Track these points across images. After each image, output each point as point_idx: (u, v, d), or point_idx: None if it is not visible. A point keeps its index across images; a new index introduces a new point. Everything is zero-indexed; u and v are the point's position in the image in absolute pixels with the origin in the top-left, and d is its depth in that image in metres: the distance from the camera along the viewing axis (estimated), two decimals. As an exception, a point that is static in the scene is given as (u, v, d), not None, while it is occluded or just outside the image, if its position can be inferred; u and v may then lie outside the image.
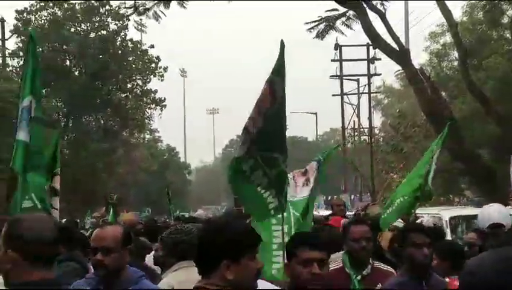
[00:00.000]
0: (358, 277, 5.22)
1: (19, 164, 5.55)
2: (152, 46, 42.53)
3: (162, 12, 26.43)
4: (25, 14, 40.00)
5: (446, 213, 12.75)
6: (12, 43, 38.92)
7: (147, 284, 4.49)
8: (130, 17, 37.81)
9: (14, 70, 37.83)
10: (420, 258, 4.73)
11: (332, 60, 43.49)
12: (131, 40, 41.91)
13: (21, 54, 39.71)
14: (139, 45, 42.43)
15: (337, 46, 41.94)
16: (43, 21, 40.10)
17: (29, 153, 5.57)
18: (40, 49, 39.43)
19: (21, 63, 39.69)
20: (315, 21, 26.63)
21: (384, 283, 5.03)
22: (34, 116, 5.76)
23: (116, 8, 38.63)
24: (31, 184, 5.62)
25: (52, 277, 2.97)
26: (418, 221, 9.93)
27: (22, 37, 39.35)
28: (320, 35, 27.07)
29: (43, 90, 38.52)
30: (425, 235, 4.84)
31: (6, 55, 36.40)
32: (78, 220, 18.54)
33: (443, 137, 9.10)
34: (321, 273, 3.78)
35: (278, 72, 5.47)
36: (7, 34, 37.14)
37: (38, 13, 40.29)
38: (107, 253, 4.27)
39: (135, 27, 46.49)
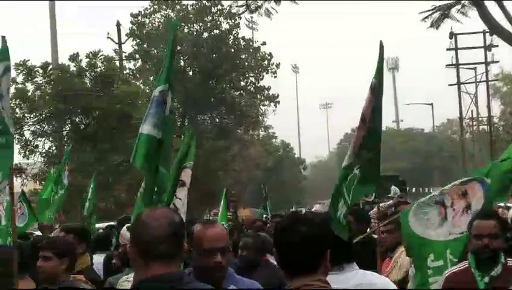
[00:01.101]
0: (486, 279, 4.78)
1: (140, 160, 5.38)
2: (264, 43, 42.64)
3: (273, 9, 26.40)
4: (139, 18, 40.95)
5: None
6: (128, 46, 39.93)
7: (242, 280, 4.45)
8: (241, 16, 38.14)
9: (130, 73, 38.80)
10: None
11: (447, 49, 42.38)
12: (243, 38, 42.17)
13: (137, 56, 40.76)
14: (251, 43, 42.63)
15: (452, 35, 40.88)
16: (157, 23, 40.94)
17: (162, 147, 5.40)
18: (155, 51, 40.38)
19: (138, 65, 40.78)
20: (429, 10, 25.99)
21: None
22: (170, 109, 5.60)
23: (228, 7, 38.92)
24: (159, 178, 5.52)
25: (171, 272, 2.97)
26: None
27: (138, 40, 40.36)
28: (435, 24, 26.39)
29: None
30: None
31: (123, 58, 37.34)
32: (197, 218, 18.68)
33: None
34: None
35: (378, 74, 5.53)
36: (123, 38, 38.05)
37: (152, 16, 41.18)
38: (224, 254, 4.10)
39: (246, 25, 46.87)
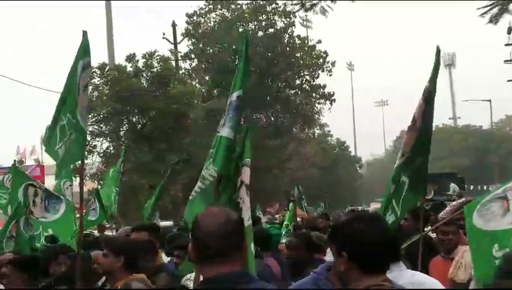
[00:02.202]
0: None
1: (220, 161, 5.48)
2: (319, 42, 42.44)
3: (329, 6, 26.15)
4: (194, 17, 41.16)
5: None
6: (184, 46, 40.17)
7: None
8: (296, 14, 37.98)
9: (186, 73, 39.02)
10: None
11: (506, 45, 41.50)
12: (298, 36, 42.04)
13: (192, 56, 40.96)
14: (306, 41, 42.47)
15: (510, 30, 40.01)
16: (212, 23, 41.09)
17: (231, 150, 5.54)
18: (210, 50, 40.55)
19: (193, 65, 41.00)
20: (487, 6, 25.44)
21: None
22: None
23: (283, 6, 38.80)
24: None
25: (232, 270, 3.00)
26: None
27: (193, 40, 40.57)
28: (494, 19, 25.76)
29: (215, 91, 39.54)
30: None
31: (179, 58, 37.56)
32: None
33: None
34: None
35: (433, 79, 5.52)
36: (179, 38, 38.30)
37: (207, 15, 41.35)
38: None
39: (301, 23, 46.73)
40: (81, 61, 6.07)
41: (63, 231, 9.17)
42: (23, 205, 8.61)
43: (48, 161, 38.26)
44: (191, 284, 5.19)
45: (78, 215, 9.56)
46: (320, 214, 14.29)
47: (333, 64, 42.85)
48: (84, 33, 6.11)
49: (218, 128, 5.56)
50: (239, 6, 41.14)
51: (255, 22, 40.78)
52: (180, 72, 35.45)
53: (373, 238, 3.07)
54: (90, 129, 28.00)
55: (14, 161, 11.12)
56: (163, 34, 36.41)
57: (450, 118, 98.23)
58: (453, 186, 20.56)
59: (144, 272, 5.33)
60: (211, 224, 3.03)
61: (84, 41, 6.10)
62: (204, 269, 3.03)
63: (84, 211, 8.24)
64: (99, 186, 19.31)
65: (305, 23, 61.30)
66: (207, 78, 40.26)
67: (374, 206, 42.98)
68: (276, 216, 22.47)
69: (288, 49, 41.16)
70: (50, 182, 12.43)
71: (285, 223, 13.13)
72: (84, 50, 6.10)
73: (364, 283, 3.04)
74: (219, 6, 41.18)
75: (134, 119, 28.61)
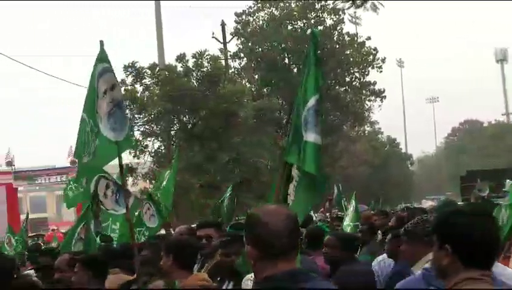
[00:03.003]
0: None
1: (311, 165, 5.56)
2: (369, 38, 42.14)
3: (380, 3, 25.93)
4: (243, 16, 41.22)
5: None
6: (233, 45, 40.25)
7: None
8: (345, 11, 37.71)
9: (236, 72, 39.10)
10: None
11: None
12: (347, 33, 41.81)
13: (242, 55, 41.04)
14: (355, 38, 42.20)
15: None
16: (261, 22, 41.09)
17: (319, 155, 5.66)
18: (260, 49, 40.57)
19: (242, 64, 41.07)
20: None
21: None
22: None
23: (332, 3, 38.60)
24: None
25: (292, 268, 2.99)
26: None
27: (242, 39, 40.63)
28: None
29: (265, 89, 39.57)
30: None
31: (228, 57, 37.65)
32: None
33: None
34: None
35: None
36: (228, 37, 38.37)
37: (256, 14, 41.37)
38: None
39: (349, 20, 46.34)
40: (98, 67, 6.26)
41: (127, 225, 9.31)
42: (91, 202, 8.77)
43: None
44: (251, 284, 5.16)
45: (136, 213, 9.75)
46: (375, 212, 14.11)
47: (383, 60, 42.52)
48: (101, 42, 6.41)
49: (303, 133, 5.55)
50: (288, 5, 41.07)
51: (304, 20, 40.65)
52: (230, 71, 35.53)
53: (479, 233, 3.02)
54: (141, 129, 28.26)
55: (71, 161, 11.31)
56: (213, 33, 36.60)
57: (502, 114, 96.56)
58: (508, 182, 20.20)
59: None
60: (275, 222, 2.98)
61: (101, 50, 6.36)
62: (265, 267, 2.99)
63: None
64: (150, 188, 19.41)
65: (353, 20, 60.96)
66: (256, 76, 40.28)
67: (426, 204, 42.46)
68: (327, 214, 22.32)
69: (337, 46, 40.92)
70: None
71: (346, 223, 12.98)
72: (100, 57, 6.34)
73: (464, 276, 2.99)
74: (268, 5, 41.16)
75: (185, 118, 28.75)
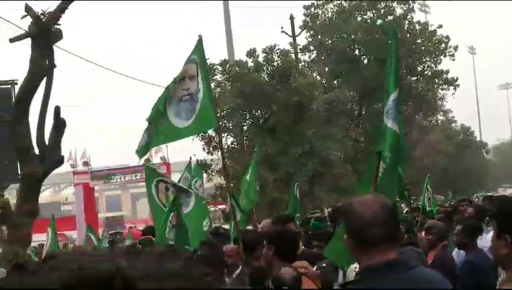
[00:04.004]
0: None
1: (387, 149, 5.73)
2: (440, 26, 41.41)
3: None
4: (312, 9, 41.09)
5: None
6: (302, 39, 40.16)
7: None
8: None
9: (306, 65, 39.02)
10: None
11: None
12: (418, 22, 41.21)
13: (311, 48, 40.92)
14: (426, 26, 41.55)
15: None
16: (330, 14, 40.87)
17: (399, 144, 5.82)
18: (329, 41, 40.38)
19: (312, 57, 40.97)
20: None
21: None
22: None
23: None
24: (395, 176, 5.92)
25: (392, 257, 2.95)
26: None
27: (311, 32, 40.51)
28: None
29: (335, 81, 39.41)
30: None
31: (298, 51, 37.62)
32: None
33: None
34: None
35: None
36: (297, 31, 38.35)
37: (325, 6, 41.16)
38: None
39: (419, 9, 45.70)
40: (190, 56, 6.49)
41: (193, 223, 9.56)
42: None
43: (174, 159, 39.43)
44: (353, 275, 5.24)
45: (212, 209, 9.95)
46: (452, 202, 13.96)
47: (455, 48, 41.74)
48: (200, 37, 6.59)
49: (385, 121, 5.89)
50: (357, -4, 40.74)
51: (373, 10, 40.26)
52: (300, 64, 35.49)
53: None
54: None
55: (146, 159, 11.66)
56: (282, 27, 36.60)
57: None
58: None
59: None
60: (367, 212, 2.96)
61: (198, 43, 6.78)
62: (362, 257, 2.99)
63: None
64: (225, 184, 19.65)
65: (423, 8, 60.05)
66: (326, 69, 40.13)
67: (505, 192, 41.51)
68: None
69: (408, 35, 40.36)
70: (176, 179, 12.91)
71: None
72: (196, 49, 6.71)
73: None
74: (336, -3, 40.91)
75: (256, 113, 28.91)
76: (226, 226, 13.48)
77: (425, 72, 41.97)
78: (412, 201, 16.65)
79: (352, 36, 39.74)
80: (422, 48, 40.97)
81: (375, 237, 2.91)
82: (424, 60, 41.67)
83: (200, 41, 6.72)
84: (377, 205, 2.98)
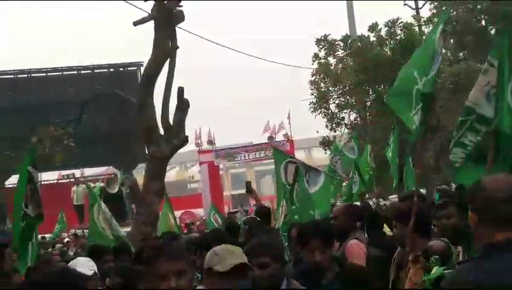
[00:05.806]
0: None
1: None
2: None
3: None
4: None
5: None
6: (426, 11, 39.12)
7: None
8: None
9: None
10: None
11: None
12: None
13: (435, 19, 39.80)
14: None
15: None
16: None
17: None
18: (454, 12, 39.11)
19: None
20: None
21: None
22: None
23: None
24: None
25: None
26: None
27: (435, 3, 39.39)
28: None
29: (461, 54, 38.23)
30: None
31: (422, 23, 36.73)
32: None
33: None
34: None
35: None
36: (420, 3, 37.46)
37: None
38: None
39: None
40: (438, 28, 6.56)
41: (321, 201, 9.60)
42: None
43: (297, 136, 39.52)
44: None
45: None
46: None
47: None
48: (444, 11, 6.89)
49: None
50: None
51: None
52: (424, 37, 34.62)
53: None
54: (336, 102, 28.37)
55: (269, 137, 11.97)
56: (404, 0, 35.86)
57: None
58: None
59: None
60: (496, 189, 2.98)
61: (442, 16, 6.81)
62: (483, 234, 2.99)
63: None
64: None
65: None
66: (452, 41, 38.95)
67: None
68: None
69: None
70: (299, 156, 13.12)
71: None
72: (440, 20, 7.15)
73: None
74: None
75: (380, 89, 28.48)
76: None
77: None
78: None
79: (478, 6, 38.34)
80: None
81: (504, 215, 2.93)
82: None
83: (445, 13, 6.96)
84: (506, 184, 3.01)
